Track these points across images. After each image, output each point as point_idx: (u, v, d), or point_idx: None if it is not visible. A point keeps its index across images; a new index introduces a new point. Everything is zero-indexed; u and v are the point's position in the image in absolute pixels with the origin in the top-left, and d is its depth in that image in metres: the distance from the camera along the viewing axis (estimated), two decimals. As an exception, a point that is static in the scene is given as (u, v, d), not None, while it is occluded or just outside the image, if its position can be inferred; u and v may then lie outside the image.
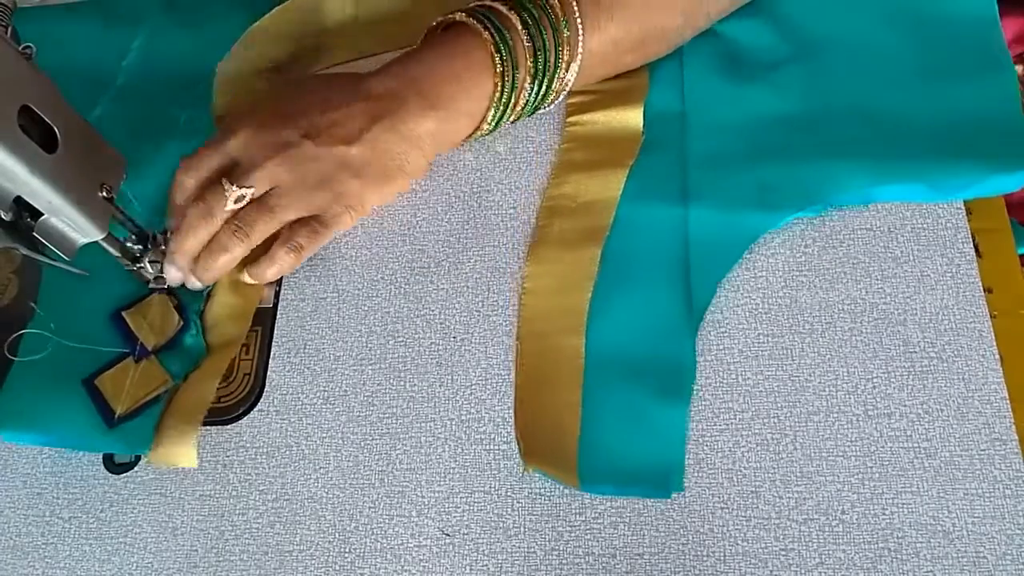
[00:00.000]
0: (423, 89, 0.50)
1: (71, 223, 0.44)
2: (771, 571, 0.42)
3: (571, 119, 0.54)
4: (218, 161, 0.50)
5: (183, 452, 0.48)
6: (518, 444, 0.45)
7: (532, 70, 0.50)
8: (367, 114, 0.50)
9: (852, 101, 0.51)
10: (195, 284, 0.52)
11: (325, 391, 0.49)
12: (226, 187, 0.48)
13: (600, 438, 0.45)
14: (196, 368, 0.51)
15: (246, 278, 0.52)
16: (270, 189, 0.49)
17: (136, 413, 0.49)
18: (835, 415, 0.44)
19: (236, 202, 0.49)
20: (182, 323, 0.52)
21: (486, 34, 0.49)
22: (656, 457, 0.44)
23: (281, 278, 0.53)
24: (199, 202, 0.49)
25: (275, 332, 0.52)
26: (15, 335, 0.52)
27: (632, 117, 0.53)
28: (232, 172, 0.49)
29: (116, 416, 0.49)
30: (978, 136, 0.48)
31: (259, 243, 0.50)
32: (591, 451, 0.45)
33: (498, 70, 0.50)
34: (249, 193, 0.49)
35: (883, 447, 0.43)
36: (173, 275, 0.51)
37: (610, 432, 0.45)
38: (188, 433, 0.48)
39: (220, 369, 0.51)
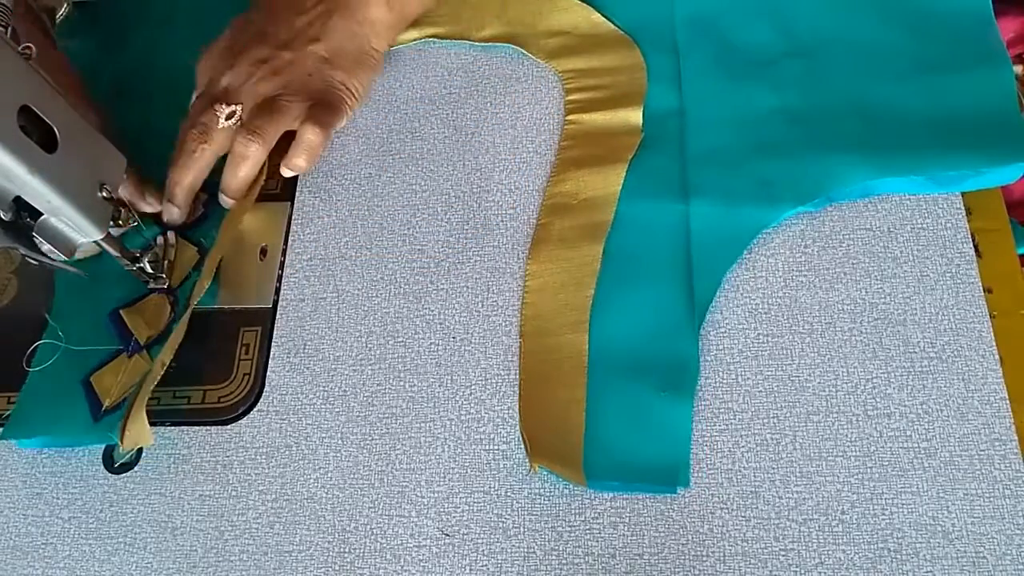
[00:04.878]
0: None
1: (71, 223, 0.44)
2: (771, 571, 0.42)
3: (570, 118, 0.55)
4: (209, 102, 0.52)
5: (141, 430, 0.47)
6: (524, 443, 0.45)
7: None
8: (323, 14, 0.55)
9: (849, 95, 0.51)
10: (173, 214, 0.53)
11: (325, 391, 0.49)
12: (217, 108, 0.51)
13: (605, 435, 0.45)
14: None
15: (285, 172, 0.53)
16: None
17: (120, 405, 0.49)
18: (835, 415, 0.44)
19: (228, 118, 0.51)
20: (173, 315, 0.52)
21: None
22: (662, 453, 0.44)
23: (280, 279, 0.53)
24: (192, 128, 0.51)
25: (275, 332, 0.51)
26: (32, 347, 0.52)
27: (631, 116, 0.53)
28: (221, 99, 0.52)
29: (103, 409, 0.49)
30: (975, 128, 0.48)
31: (272, 145, 0.53)
32: (597, 448, 0.45)
33: None
34: (239, 110, 0.52)
35: (883, 447, 0.43)
36: (173, 214, 0.53)
37: (615, 429, 0.45)
38: (141, 409, 0.47)
39: (173, 345, 0.50)
